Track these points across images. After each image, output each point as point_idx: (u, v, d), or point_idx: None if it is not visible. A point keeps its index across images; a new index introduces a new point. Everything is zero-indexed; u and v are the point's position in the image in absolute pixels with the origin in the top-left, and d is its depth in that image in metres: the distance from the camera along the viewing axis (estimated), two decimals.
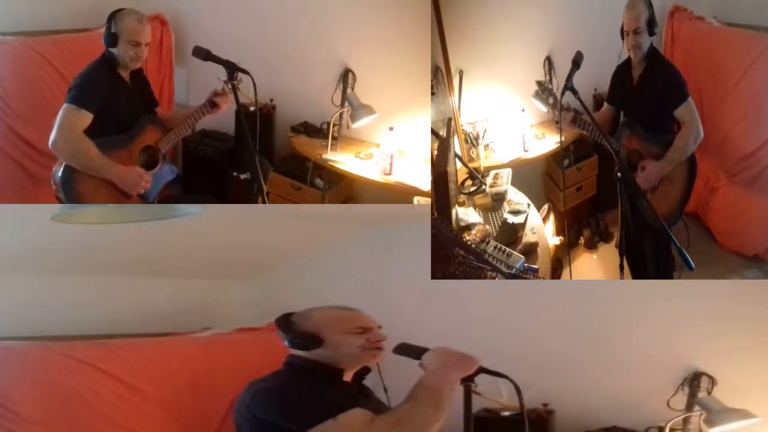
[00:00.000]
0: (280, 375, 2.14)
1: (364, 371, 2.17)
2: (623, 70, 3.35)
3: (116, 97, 3.02)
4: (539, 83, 3.32)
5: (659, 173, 3.24)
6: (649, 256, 3.34)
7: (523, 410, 1.95)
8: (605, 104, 3.50)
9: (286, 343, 2.15)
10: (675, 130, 3.27)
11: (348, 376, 2.14)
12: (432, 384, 1.93)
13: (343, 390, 2.09)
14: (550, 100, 3.22)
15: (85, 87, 2.93)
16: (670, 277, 3.31)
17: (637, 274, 3.31)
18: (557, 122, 4.00)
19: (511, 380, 1.94)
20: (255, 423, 1.97)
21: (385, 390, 2.23)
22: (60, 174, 2.92)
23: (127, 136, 3.06)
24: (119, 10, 3.02)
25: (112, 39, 2.98)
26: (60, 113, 2.89)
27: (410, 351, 2.04)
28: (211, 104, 3.14)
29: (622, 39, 3.22)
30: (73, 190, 2.92)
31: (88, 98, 2.91)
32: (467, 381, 1.96)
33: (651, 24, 3.15)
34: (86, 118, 2.89)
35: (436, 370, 1.96)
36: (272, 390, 2.03)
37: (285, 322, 2.15)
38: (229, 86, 2.84)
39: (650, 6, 3.16)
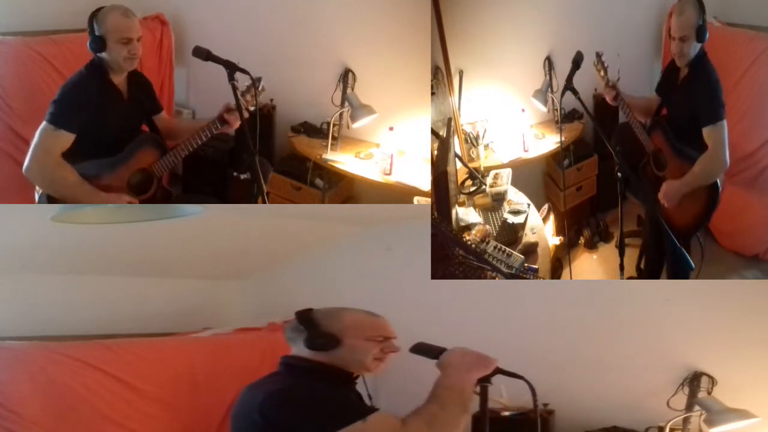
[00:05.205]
0: (285, 376, 2.05)
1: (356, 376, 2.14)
2: (674, 65, 3.17)
3: (106, 111, 2.76)
4: (597, 54, 3.20)
5: (677, 194, 3.11)
6: (668, 256, 3.30)
7: (537, 411, 1.98)
8: (654, 92, 3.38)
9: (301, 342, 2.03)
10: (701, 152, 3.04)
11: None
12: (454, 384, 1.93)
13: (350, 394, 2.06)
14: (601, 73, 3.17)
15: (65, 103, 2.66)
16: (686, 277, 3.22)
17: (654, 272, 3.31)
18: (557, 122, 4.04)
19: (527, 381, 1.95)
20: (268, 427, 1.87)
21: (370, 398, 2.17)
22: (37, 202, 2.70)
23: (117, 158, 2.78)
24: (99, 9, 2.73)
25: (99, 42, 2.70)
26: (36, 135, 2.63)
27: (428, 350, 2.03)
28: (221, 121, 2.89)
29: (669, 39, 3.06)
30: None
31: (69, 116, 2.64)
32: (484, 381, 1.97)
33: (700, 31, 2.95)
34: (65, 139, 2.64)
35: (455, 370, 1.95)
36: (288, 391, 1.93)
37: (307, 318, 2.04)
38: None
39: (702, 11, 2.96)
